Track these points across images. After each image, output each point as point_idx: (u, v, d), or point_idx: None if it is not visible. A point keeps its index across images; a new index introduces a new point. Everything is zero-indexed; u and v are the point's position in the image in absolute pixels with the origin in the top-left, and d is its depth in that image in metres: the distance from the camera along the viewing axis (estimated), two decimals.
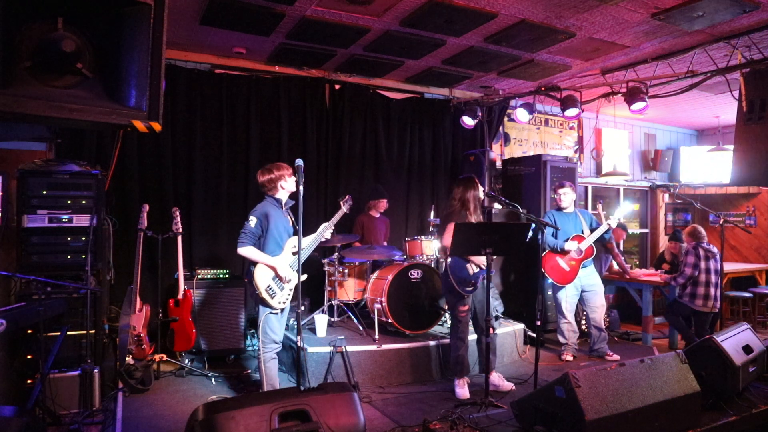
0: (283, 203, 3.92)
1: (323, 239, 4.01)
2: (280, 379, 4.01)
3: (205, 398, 4.12)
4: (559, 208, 5.49)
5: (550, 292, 6.03)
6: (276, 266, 3.76)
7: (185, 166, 5.55)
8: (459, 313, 4.31)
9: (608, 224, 5.23)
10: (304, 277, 3.90)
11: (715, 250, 5.69)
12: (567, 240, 5.29)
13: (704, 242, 5.73)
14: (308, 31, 4.90)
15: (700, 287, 5.56)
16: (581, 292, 5.42)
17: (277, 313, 3.82)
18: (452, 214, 4.35)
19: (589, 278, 5.41)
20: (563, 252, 5.29)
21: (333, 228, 4.02)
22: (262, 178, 3.89)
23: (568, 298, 5.37)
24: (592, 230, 5.35)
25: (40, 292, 3.83)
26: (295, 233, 3.94)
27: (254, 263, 3.78)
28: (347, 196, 4.13)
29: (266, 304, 3.79)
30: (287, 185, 3.90)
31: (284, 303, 3.83)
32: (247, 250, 3.75)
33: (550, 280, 5.42)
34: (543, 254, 5.35)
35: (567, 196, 5.42)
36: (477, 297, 4.38)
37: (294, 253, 3.88)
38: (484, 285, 4.11)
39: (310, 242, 3.97)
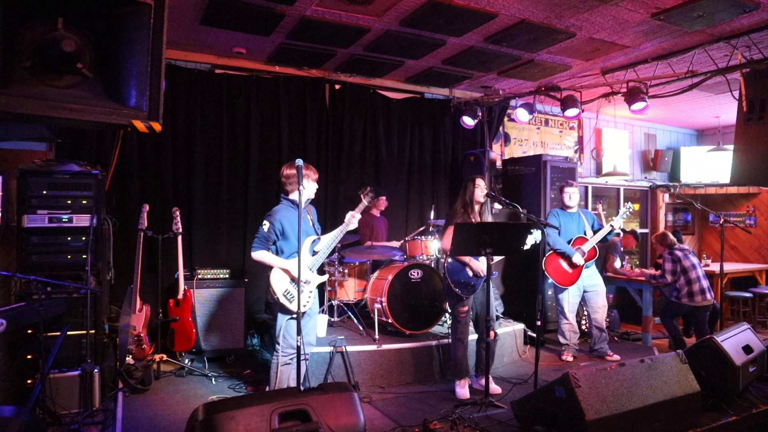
0: (300, 205, 3.86)
1: (351, 227, 3.87)
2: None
3: (205, 398, 4.12)
4: (564, 207, 5.48)
5: (550, 293, 6.03)
6: (289, 268, 3.69)
7: (185, 167, 5.55)
8: (459, 313, 4.31)
9: (611, 226, 5.21)
10: (324, 277, 3.88)
11: (686, 246, 5.91)
12: (570, 241, 5.29)
13: (676, 245, 5.82)
14: (308, 31, 4.90)
15: (695, 284, 5.61)
16: (583, 292, 5.42)
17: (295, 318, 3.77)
18: (452, 216, 4.36)
19: (591, 279, 5.40)
20: (570, 260, 5.27)
21: (360, 215, 3.87)
22: (288, 170, 3.79)
23: (570, 299, 5.36)
24: (594, 231, 5.34)
25: (40, 292, 3.83)
26: (316, 233, 3.90)
27: (271, 268, 3.72)
28: (368, 188, 3.97)
29: (285, 309, 3.71)
30: (309, 187, 3.80)
31: (305, 306, 3.73)
32: (259, 255, 3.70)
33: (551, 281, 5.41)
34: (546, 255, 5.36)
35: (574, 196, 5.41)
36: (478, 298, 4.38)
37: (314, 254, 3.84)
38: (485, 287, 4.11)
39: (331, 239, 3.87)
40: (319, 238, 3.91)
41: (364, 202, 3.92)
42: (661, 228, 8.84)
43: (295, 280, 3.69)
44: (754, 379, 3.97)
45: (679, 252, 5.74)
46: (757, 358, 3.91)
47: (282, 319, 3.74)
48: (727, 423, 3.41)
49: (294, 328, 3.74)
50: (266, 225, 3.71)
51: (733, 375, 3.57)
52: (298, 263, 3.34)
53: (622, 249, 6.91)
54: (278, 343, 3.75)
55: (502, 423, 3.55)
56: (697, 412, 3.34)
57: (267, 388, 3.98)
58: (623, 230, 7.13)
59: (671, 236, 5.98)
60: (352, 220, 3.84)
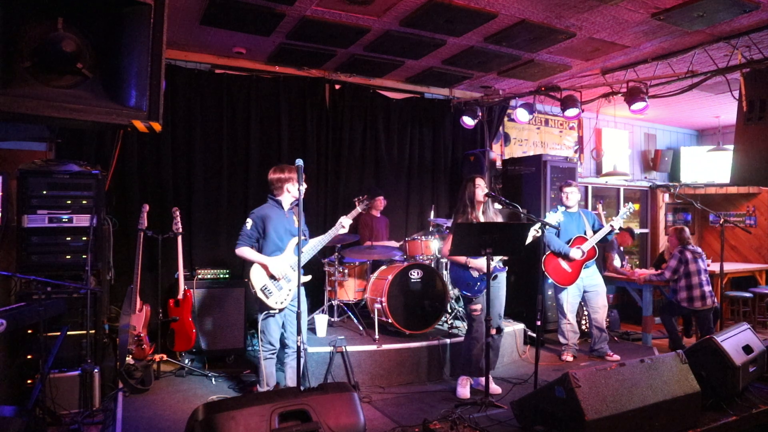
0: (285, 205, 3.93)
1: (342, 230, 3.94)
2: (279, 379, 4.02)
3: (205, 398, 4.12)
4: (565, 208, 5.47)
5: (550, 293, 6.03)
6: (268, 264, 3.78)
7: (185, 166, 5.55)
8: (472, 312, 4.32)
9: (611, 226, 5.20)
10: (307, 278, 3.89)
11: (699, 250, 5.84)
12: (570, 240, 5.29)
13: (690, 245, 5.80)
14: (308, 31, 4.90)
15: (696, 289, 5.60)
16: (583, 292, 5.42)
17: (274, 315, 3.83)
18: (454, 218, 4.37)
19: (592, 278, 5.39)
20: (567, 257, 5.28)
21: (351, 221, 3.96)
22: (272, 175, 3.92)
23: (569, 299, 5.36)
24: (594, 231, 5.34)
25: (40, 292, 3.83)
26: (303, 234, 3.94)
27: (252, 264, 3.82)
28: (364, 196, 4.11)
29: (263, 305, 3.81)
30: (294, 190, 3.89)
31: (282, 303, 3.82)
32: (241, 251, 3.83)
33: (551, 281, 5.41)
34: (545, 255, 5.37)
35: (573, 195, 5.40)
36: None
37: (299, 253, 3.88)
38: (493, 284, 4.10)
39: (318, 242, 3.94)
40: (306, 239, 3.93)
41: (358, 209, 4.00)
42: (661, 228, 8.86)
43: (274, 277, 3.80)
44: (754, 379, 3.97)
45: (690, 254, 5.70)
46: (757, 358, 3.91)
47: (260, 315, 3.85)
48: (727, 423, 3.40)
49: (271, 324, 3.85)
50: (249, 223, 3.85)
51: (733, 375, 3.57)
52: (297, 263, 3.36)
53: (621, 248, 6.91)
54: (258, 338, 3.85)
55: (502, 423, 3.55)
56: (697, 412, 3.33)
57: (257, 385, 4.01)
58: (620, 228, 7.14)
59: (688, 233, 5.94)
60: (342, 225, 3.92)
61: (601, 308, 5.41)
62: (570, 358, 5.39)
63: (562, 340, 5.48)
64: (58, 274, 3.84)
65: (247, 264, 3.88)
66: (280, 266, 3.81)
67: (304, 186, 3.87)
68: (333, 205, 6.26)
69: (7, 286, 4.11)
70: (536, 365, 4.05)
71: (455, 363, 4.76)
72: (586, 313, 5.84)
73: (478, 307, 4.29)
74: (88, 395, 3.71)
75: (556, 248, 5.27)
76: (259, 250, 3.86)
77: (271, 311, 3.82)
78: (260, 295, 3.78)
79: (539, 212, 6.23)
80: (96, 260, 4.06)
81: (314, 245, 3.95)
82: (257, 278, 3.79)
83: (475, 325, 4.33)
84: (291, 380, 3.94)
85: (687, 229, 5.98)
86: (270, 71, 5.93)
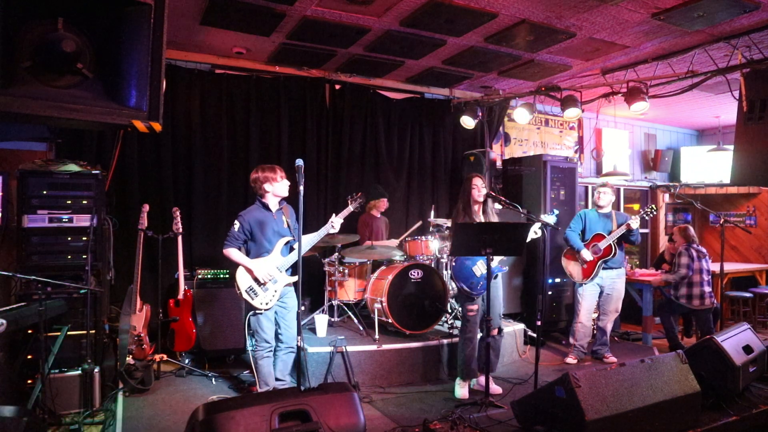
0: (271, 206, 3.92)
1: (332, 230, 3.94)
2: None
3: (205, 398, 4.12)
4: (597, 207, 5.48)
5: (551, 293, 6.02)
6: (252, 268, 3.79)
7: (185, 166, 5.55)
8: (467, 312, 4.30)
9: (627, 224, 5.16)
10: (294, 278, 3.90)
11: (704, 250, 5.84)
12: (590, 238, 5.34)
13: (695, 243, 5.80)
14: (308, 31, 4.90)
15: (696, 287, 5.60)
16: (600, 292, 5.40)
17: (262, 313, 3.84)
18: (455, 218, 4.36)
19: (613, 281, 5.33)
20: (579, 253, 5.31)
21: (342, 220, 3.96)
22: (251, 177, 3.96)
23: (586, 296, 5.34)
24: None
25: (40, 292, 3.83)
26: (292, 234, 3.94)
27: (238, 265, 3.85)
28: (359, 194, 4.07)
29: (249, 306, 3.85)
30: (274, 188, 3.89)
31: (268, 304, 3.83)
32: (228, 252, 3.85)
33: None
34: (564, 252, 5.49)
35: (605, 196, 5.41)
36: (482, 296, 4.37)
37: (289, 251, 3.90)
38: (493, 283, 4.10)
39: (308, 241, 3.94)
40: (294, 239, 3.92)
41: (350, 207, 4.00)
42: (662, 228, 8.86)
43: (258, 280, 3.82)
44: (754, 379, 3.97)
45: (695, 252, 5.71)
46: (757, 358, 3.91)
47: (250, 314, 3.88)
48: (727, 423, 3.40)
49: (263, 321, 3.86)
50: (237, 225, 3.86)
51: (733, 375, 3.57)
52: (298, 262, 3.35)
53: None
54: (252, 338, 3.90)
55: (502, 423, 3.56)
56: (697, 412, 3.33)
57: (257, 385, 4.02)
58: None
59: (692, 231, 5.94)
60: (333, 225, 3.93)
61: (610, 312, 5.38)
62: (573, 361, 5.34)
63: (570, 340, 5.46)
64: (58, 274, 3.83)
65: (235, 264, 3.90)
66: (265, 269, 3.81)
67: (280, 186, 3.91)
68: (333, 206, 6.25)
69: (7, 286, 4.11)
70: (536, 365, 4.05)
71: (452, 364, 4.76)
72: (596, 314, 5.81)
73: (475, 307, 4.29)
74: (88, 395, 3.72)
75: (571, 242, 5.35)
76: (248, 251, 3.88)
77: (258, 310, 3.85)
78: (245, 296, 3.82)
79: (539, 212, 6.22)
80: (96, 260, 4.07)
81: (304, 244, 3.92)
82: (242, 280, 3.83)
83: (470, 325, 4.32)
84: (280, 372, 3.95)
85: (691, 227, 5.99)
86: (270, 71, 5.93)
